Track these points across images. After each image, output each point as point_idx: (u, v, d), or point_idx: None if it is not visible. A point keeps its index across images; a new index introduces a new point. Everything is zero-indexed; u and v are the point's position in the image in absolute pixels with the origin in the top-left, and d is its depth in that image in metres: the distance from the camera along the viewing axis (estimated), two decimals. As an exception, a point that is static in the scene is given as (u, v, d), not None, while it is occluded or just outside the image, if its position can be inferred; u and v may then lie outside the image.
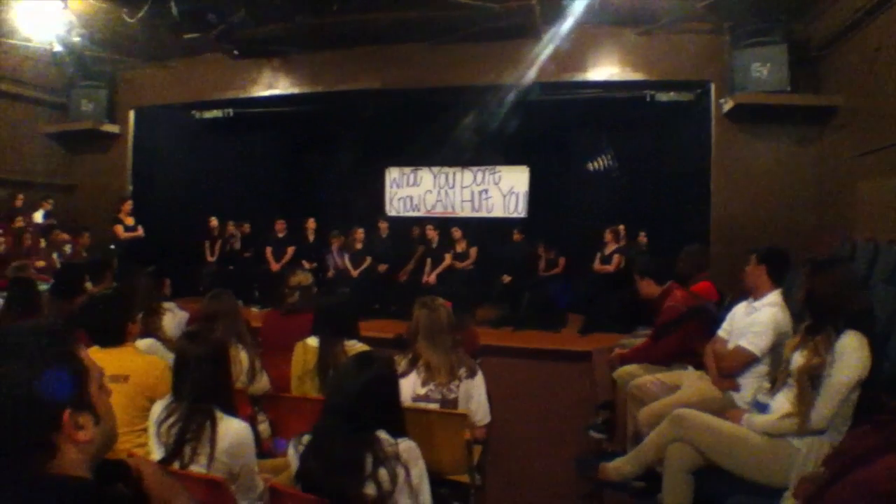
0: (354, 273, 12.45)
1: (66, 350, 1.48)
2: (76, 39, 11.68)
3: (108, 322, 3.94)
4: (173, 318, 6.13)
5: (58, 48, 11.89)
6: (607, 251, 11.22)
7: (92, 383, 1.50)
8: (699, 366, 5.26)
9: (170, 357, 4.39)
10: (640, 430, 4.82)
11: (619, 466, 4.54)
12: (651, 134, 13.20)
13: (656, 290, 6.04)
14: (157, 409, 3.29)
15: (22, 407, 1.35)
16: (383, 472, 2.79)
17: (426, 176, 15.28)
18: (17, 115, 13.78)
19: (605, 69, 11.26)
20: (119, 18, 10.58)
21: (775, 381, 4.28)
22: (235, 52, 13.03)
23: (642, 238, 11.75)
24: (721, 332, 5.03)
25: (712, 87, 10.72)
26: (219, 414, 3.19)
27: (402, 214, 15.21)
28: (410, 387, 4.09)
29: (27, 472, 1.36)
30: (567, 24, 10.39)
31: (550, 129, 13.20)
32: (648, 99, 11.81)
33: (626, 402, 5.47)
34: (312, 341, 4.72)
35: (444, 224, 12.97)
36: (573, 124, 13.30)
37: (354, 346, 4.55)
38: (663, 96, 11.78)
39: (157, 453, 3.18)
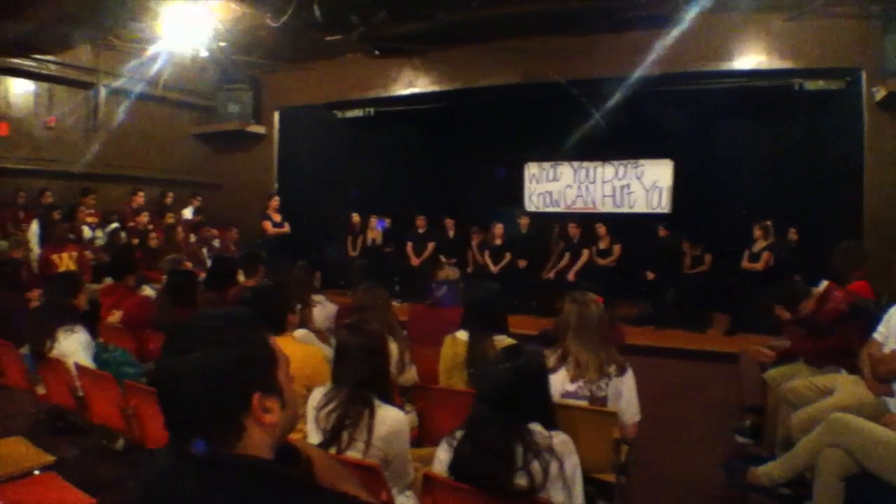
0: (494, 269, 12.48)
1: (258, 336, 1.54)
2: (221, 45, 12.05)
3: (270, 312, 4.07)
4: (323, 311, 6.33)
5: (204, 54, 12.28)
6: (756, 248, 10.80)
7: (280, 369, 1.55)
8: (853, 369, 5.06)
9: (322, 347, 4.50)
10: (791, 435, 4.67)
11: (770, 471, 4.41)
12: (799, 124, 12.63)
13: (813, 302, 5.79)
14: (317, 396, 3.38)
15: (215, 389, 1.40)
16: (536, 465, 2.78)
17: (566, 171, 15.05)
18: (167, 118, 14.53)
19: (751, 57, 10.96)
20: (262, 23, 10.87)
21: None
22: (376, 51, 13.27)
23: (792, 235, 11.29)
24: (877, 335, 4.81)
25: (863, 74, 10.29)
26: (377, 402, 3.25)
27: (541, 210, 15.08)
28: (559, 383, 4.03)
29: (216, 451, 1.41)
30: (710, 12, 10.13)
31: (694, 121, 12.82)
32: (796, 88, 11.41)
33: (777, 406, 5.32)
34: (462, 335, 4.76)
35: (585, 219, 12.86)
36: (718, 115, 12.89)
37: (503, 341, 4.54)
38: (812, 85, 11.35)
39: (314, 439, 3.27)
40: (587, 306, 4.19)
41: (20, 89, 12.28)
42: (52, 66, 12.52)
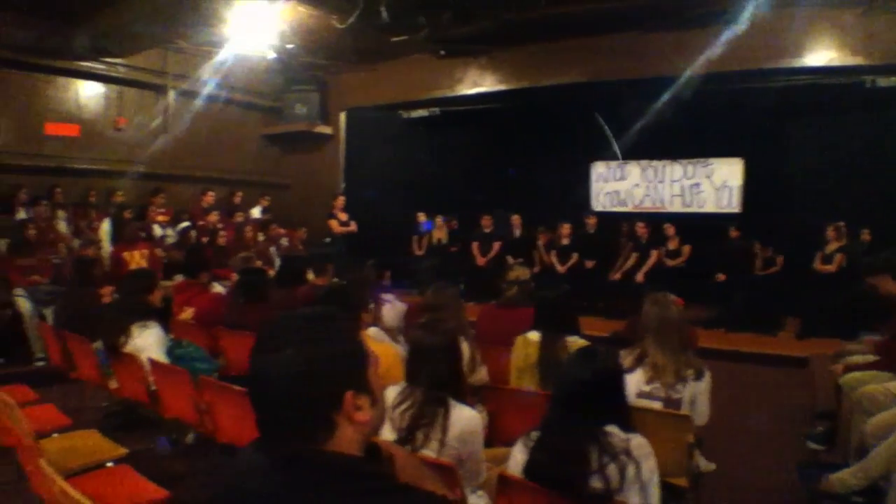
0: (561, 269, 12.39)
1: (351, 334, 1.56)
2: (289, 46, 12.17)
3: (346, 310, 4.07)
4: (392, 309, 6.33)
5: (272, 56, 12.43)
6: (828, 250, 10.54)
7: (371, 367, 1.55)
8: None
9: (394, 345, 4.50)
10: (865, 442, 4.57)
11: (845, 478, 4.32)
12: (872, 122, 12.32)
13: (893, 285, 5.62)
14: (391, 394, 3.36)
15: (309, 387, 1.41)
16: (612, 468, 2.73)
17: (634, 170, 14.81)
18: (235, 119, 14.77)
19: (822, 53, 10.76)
20: (329, 25, 10.97)
21: None
22: (442, 52, 13.26)
23: (865, 236, 11.05)
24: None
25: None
26: (451, 401, 3.24)
27: (608, 209, 14.86)
28: (635, 384, 3.99)
29: (309, 447, 1.42)
30: (780, 7, 9.97)
31: (765, 119, 12.60)
32: (868, 84, 11.16)
33: (850, 412, 5.19)
34: (534, 336, 4.73)
35: (654, 219, 12.72)
36: (789, 113, 12.68)
37: (576, 342, 4.51)
38: (884, 81, 11.09)
39: (388, 437, 3.25)
40: (667, 308, 4.15)
41: (91, 92, 12.64)
42: (122, 70, 12.88)
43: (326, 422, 1.43)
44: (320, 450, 1.42)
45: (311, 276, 7.16)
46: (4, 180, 11.00)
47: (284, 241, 12.72)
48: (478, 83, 13.56)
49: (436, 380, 3.27)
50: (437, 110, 15.13)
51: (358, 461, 1.48)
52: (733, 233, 11.70)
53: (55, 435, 4.65)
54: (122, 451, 4.33)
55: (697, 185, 14.15)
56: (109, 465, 4.15)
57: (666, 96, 11.78)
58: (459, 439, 3.17)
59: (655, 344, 4.06)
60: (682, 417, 3.90)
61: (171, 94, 13.65)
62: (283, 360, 1.41)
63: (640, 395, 4.01)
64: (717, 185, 13.93)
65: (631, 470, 2.76)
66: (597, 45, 11.98)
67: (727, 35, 10.46)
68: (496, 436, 4.37)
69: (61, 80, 12.18)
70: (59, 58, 11.77)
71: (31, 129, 11.71)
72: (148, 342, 5.29)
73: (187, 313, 7.00)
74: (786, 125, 13.09)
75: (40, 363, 8.29)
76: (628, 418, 3.02)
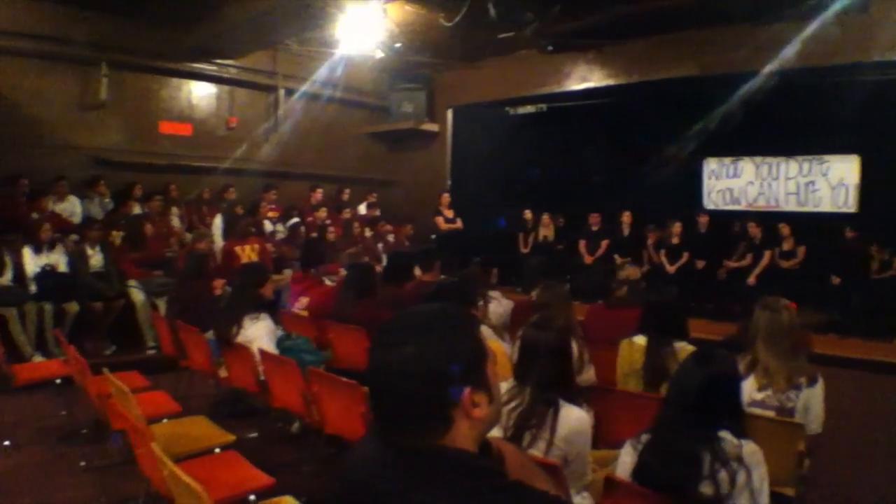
0: (671, 269, 12.19)
1: (471, 332, 1.55)
2: (396, 46, 12.27)
3: None
4: (498, 307, 6.35)
5: (380, 55, 12.54)
6: (948, 252, 10.07)
7: (490, 364, 1.55)
8: None
9: (501, 343, 4.48)
10: None
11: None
12: None
13: None
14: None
15: (429, 382, 1.42)
16: (723, 474, 2.69)
17: (747, 167, 14.36)
18: (343, 118, 15.04)
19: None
20: (436, 24, 10.98)
21: None
22: (549, 47, 13.14)
23: None
24: None
25: None
26: (560, 401, 3.22)
27: (721, 208, 14.48)
28: (747, 391, 3.87)
29: (426, 442, 1.42)
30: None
31: (883, 114, 11.81)
32: None
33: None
34: (640, 340, 4.66)
35: (766, 219, 12.33)
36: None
37: (685, 348, 4.42)
38: None
39: (494, 435, 3.23)
40: (779, 313, 4.04)
41: (203, 92, 13.06)
42: (233, 70, 13.27)
43: (444, 417, 1.44)
44: (438, 445, 1.43)
45: (418, 272, 7.23)
46: (120, 177, 11.35)
47: (391, 238, 12.91)
48: (586, 78, 13.42)
49: (546, 379, 3.25)
50: (543, 106, 15.04)
51: (475, 457, 1.48)
52: (849, 233, 11.28)
53: (165, 420, 4.83)
54: (230, 437, 4.46)
55: (813, 182, 13.65)
56: (217, 450, 4.29)
57: (778, 89, 11.42)
58: (567, 440, 3.14)
59: (766, 349, 3.96)
60: (793, 425, 3.80)
61: (281, 94, 13.98)
62: (405, 355, 1.42)
63: (753, 403, 3.91)
64: (834, 183, 13.37)
65: (742, 477, 2.72)
66: (708, 38, 11.69)
67: (844, 26, 10.08)
68: (602, 437, 4.32)
69: (175, 81, 12.59)
70: (173, 60, 12.20)
71: (145, 129, 12.14)
72: (259, 333, 5.46)
73: (301, 303, 7.30)
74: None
75: (152, 351, 8.61)
76: (742, 424, 2.96)
